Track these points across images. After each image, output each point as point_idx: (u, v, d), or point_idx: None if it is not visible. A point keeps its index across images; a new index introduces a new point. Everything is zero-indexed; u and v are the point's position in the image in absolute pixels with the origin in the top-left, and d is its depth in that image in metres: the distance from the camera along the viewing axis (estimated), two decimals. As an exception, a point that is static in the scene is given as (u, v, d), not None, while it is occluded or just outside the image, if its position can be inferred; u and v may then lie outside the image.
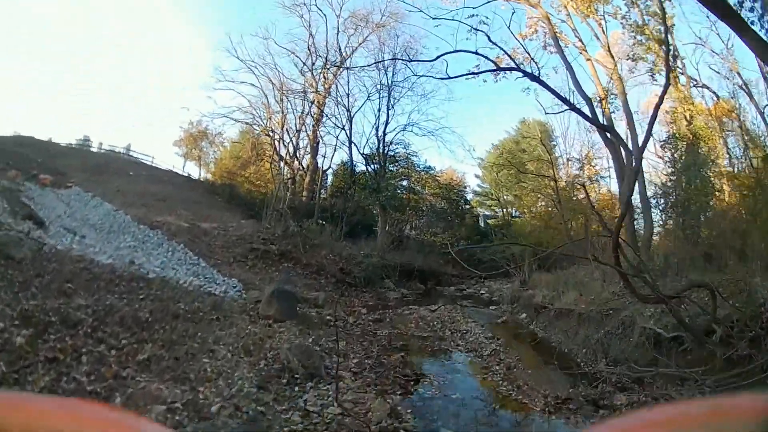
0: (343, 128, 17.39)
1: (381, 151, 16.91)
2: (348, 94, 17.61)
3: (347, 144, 17.45)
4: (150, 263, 6.57)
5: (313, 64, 18.39)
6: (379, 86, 16.89)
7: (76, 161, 15.98)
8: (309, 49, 18.67)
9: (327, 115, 18.11)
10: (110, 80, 36.37)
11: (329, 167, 19.34)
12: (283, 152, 18.65)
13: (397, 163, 18.10)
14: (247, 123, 19.40)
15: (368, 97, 17.34)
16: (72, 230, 6.82)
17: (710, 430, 0.33)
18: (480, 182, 24.46)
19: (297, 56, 18.77)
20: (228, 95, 37.57)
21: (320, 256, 10.78)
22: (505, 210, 22.27)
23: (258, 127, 19.12)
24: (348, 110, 17.29)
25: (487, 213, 22.98)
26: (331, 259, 10.77)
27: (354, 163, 17.87)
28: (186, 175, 22.28)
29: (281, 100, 18.71)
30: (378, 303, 9.20)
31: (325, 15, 18.91)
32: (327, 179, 19.98)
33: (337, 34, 18.61)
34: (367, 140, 17.78)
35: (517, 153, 20.12)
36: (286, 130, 19.22)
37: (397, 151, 17.74)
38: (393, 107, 16.98)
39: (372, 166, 16.97)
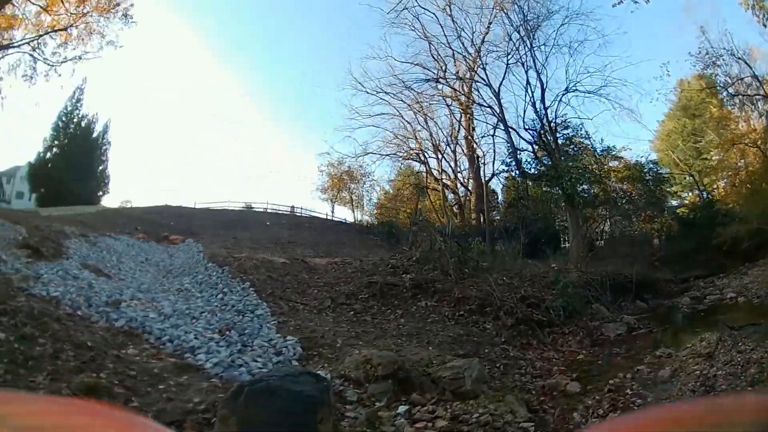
0: (499, 118, 18.95)
1: (547, 128, 17.58)
2: (488, 83, 19.80)
3: (506, 140, 18.81)
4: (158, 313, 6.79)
5: (443, 71, 21.11)
6: (522, 54, 18.52)
7: (211, 220, 22.94)
8: (434, 57, 21.65)
9: (477, 117, 21.06)
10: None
11: (492, 175, 20.97)
12: (444, 177, 22.32)
13: (570, 142, 18.65)
14: (395, 155, 23.72)
15: (506, 68, 19.10)
16: (106, 273, 8.62)
17: (710, 429, 0.42)
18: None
19: (425, 68, 21.83)
20: (368, 132, 42.84)
21: (486, 282, 7.63)
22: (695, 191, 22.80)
23: (404, 156, 23.19)
24: (497, 96, 19.06)
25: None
26: (505, 284, 7.65)
27: (519, 152, 18.67)
28: (337, 219, 27.25)
29: (426, 122, 22.57)
30: (595, 351, 6.89)
31: (434, 14, 21.93)
32: (497, 197, 21.88)
33: (458, 30, 21.16)
34: (524, 126, 18.83)
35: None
36: (440, 152, 22.62)
37: (567, 120, 18.43)
38: (545, 68, 18.15)
39: (541, 150, 17.80)
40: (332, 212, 30.77)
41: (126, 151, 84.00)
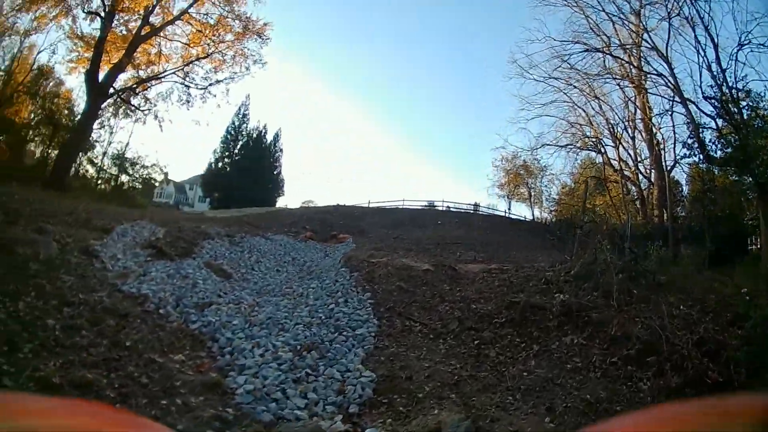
0: (673, 89, 18.13)
1: (728, 96, 15.78)
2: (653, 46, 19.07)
3: (684, 116, 17.73)
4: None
5: (607, 44, 20.42)
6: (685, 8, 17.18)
7: (383, 218, 24.52)
8: (593, 31, 20.75)
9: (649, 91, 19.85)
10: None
11: (674, 162, 20.37)
12: (623, 167, 22.17)
13: (755, 114, 16.13)
14: (571, 146, 23.61)
15: (670, 29, 18.07)
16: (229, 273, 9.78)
17: (710, 429, 0.46)
18: None
19: (586, 44, 20.95)
20: (540, 122, 45.34)
21: (657, 312, 5.79)
22: None
23: (581, 146, 23.33)
24: (666, 61, 18.37)
25: None
26: (681, 315, 5.74)
27: (702, 129, 16.94)
28: (515, 217, 28.23)
29: (600, 106, 22.70)
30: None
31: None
32: (681, 189, 21.31)
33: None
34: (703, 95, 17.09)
35: None
36: (617, 138, 22.47)
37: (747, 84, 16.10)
38: (711, 20, 16.63)
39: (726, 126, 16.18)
40: (509, 209, 32.10)
41: (304, 155, 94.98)
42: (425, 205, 33.14)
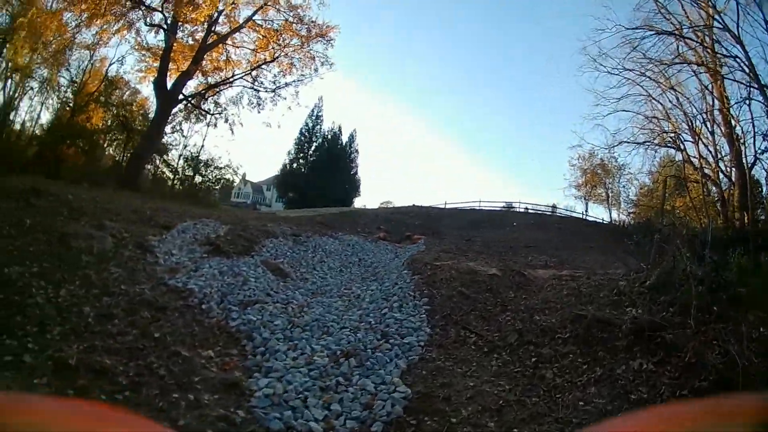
0: (749, 73, 17.42)
1: None
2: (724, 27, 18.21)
3: (763, 104, 17.08)
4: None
5: (679, 28, 19.67)
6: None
7: (459, 220, 25.32)
8: (662, 15, 19.99)
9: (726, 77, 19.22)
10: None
11: (755, 159, 19.22)
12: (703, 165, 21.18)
13: None
14: (650, 143, 22.69)
15: (738, 8, 17.17)
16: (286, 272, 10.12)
17: (710, 429, 0.47)
18: None
19: (657, 30, 20.21)
20: (616, 118, 39.36)
21: (737, 333, 5.22)
22: None
23: (659, 142, 22.41)
24: (740, 42, 17.60)
25: None
26: (760, 339, 5.12)
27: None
28: (593, 219, 28.71)
29: (677, 98, 21.47)
30: None
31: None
32: (761, 190, 21.05)
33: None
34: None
35: None
36: (696, 133, 21.43)
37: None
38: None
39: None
40: (586, 211, 32.37)
41: (382, 155, 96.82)
42: (503, 207, 33.61)
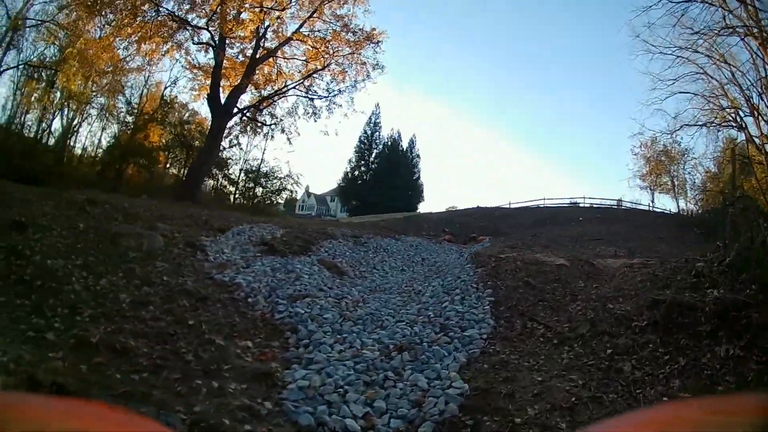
0: None
1: None
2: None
3: None
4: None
5: None
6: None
7: (523, 219, 25.28)
8: None
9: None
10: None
11: None
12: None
13: None
14: (712, 124, 21.73)
15: None
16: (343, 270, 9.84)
17: (710, 429, 0.47)
18: None
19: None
20: (675, 101, 38.14)
21: None
22: None
23: (719, 122, 21.39)
24: None
25: None
26: None
27: None
28: (660, 210, 28.02)
29: (732, 74, 20.17)
30: None
31: None
32: None
33: None
34: None
35: None
36: (755, 109, 20.37)
37: None
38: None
39: None
40: (652, 202, 31.63)
41: (445, 159, 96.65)
42: (568, 203, 33.26)
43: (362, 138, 42.32)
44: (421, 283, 9.28)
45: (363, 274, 9.99)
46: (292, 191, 29.97)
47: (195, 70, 23.43)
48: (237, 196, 27.06)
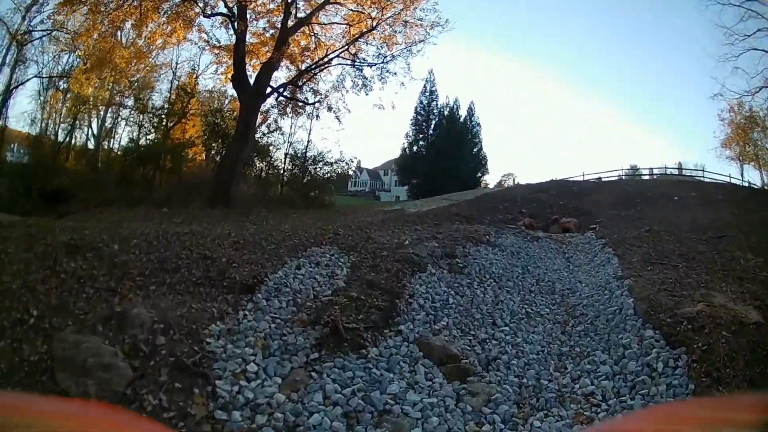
0: None
1: None
2: None
3: None
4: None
5: None
6: None
7: (606, 195, 21.47)
8: None
9: None
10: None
11: None
12: None
13: None
14: None
15: None
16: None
17: (710, 429, 0.47)
18: None
19: None
20: (752, 57, 36.43)
21: None
22: None
23: None
24: None
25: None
26: None
27: None
28: (747, 185, 23.61)
29: None
30: None
31: None
32: None
33: None
34: None
35: None
36: None
37: None
38: None
39: None
40: (742, 175, 28.49)
41: (505, 126, 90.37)
42: (649, 174, 31.08)
43: (418, 109, 37.84)
44: (569, 352, 6.19)
45: (487, 353, 5.82)
46: (345, 173, 26.25)
47: (216, 51, 19.82)
48: (284, 184, 23.51)
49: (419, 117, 37.53)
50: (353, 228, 10.88)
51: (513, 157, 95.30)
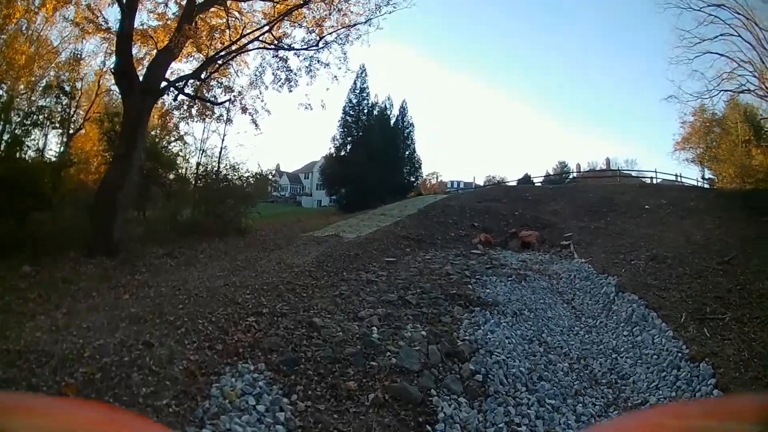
0: None
1: None
2: None
3: None
4: None
5: None
6: None
7: (565, 203, 20.24)
8: None
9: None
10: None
11: None
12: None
13: None
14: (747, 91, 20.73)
15: None
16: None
17: (710, 429, 0.47)
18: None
19: None
20: (706, 61, 32.45)
21: None
22: None
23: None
24: None
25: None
26: None
27: None
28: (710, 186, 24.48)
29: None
30: None
31: None
32: None
33: None
34: None
35: None
36: None
37: None
38: None
39: None
40: (703, 177, 28.02)
41: (431, 125, 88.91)
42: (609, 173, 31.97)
43: (347, 108, 33.08)
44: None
45: None
46: (263, 189, 21.57)
47: (104, 34, 14.47)
48: (194, 207, 18.59)
49: (348, 117, 33.05)
50: (282, 295, 7.45)
51: (436, 156, 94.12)
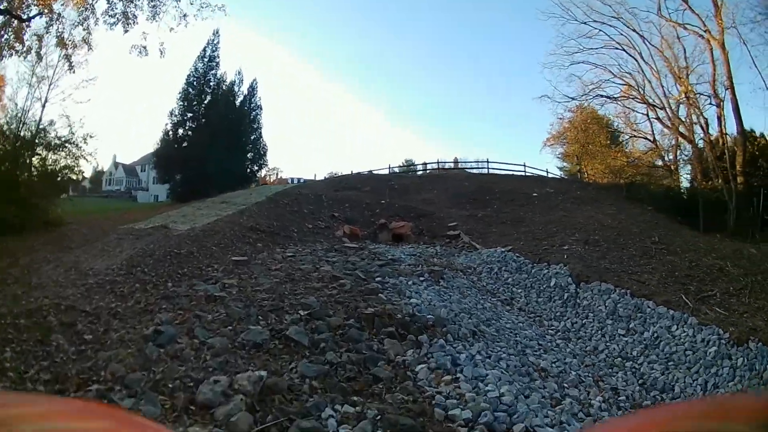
0: None
1: None
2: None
3: None
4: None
5: None
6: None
7: (438, 192, 19.68)
8: None
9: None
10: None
11: None
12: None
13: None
14: (625, 98, 23.21)
15: None
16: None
17: (710, 429, 0.46)
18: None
19: None
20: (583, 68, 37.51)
21: None
22: None
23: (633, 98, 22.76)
24: None
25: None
26: None
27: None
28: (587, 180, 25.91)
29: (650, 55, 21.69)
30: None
31: None
32: None
33: None
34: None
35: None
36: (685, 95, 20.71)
37: None
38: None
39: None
40: (579, 172, 30.13)
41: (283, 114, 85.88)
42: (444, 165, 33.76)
43: (191, 80, 27.90)
44: None
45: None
46: (75, 167, 16.34)
47: None
48: None
49: (191, 90, 27.83)
50: (43, 343, 4.61)
51: (277, 151, 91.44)
